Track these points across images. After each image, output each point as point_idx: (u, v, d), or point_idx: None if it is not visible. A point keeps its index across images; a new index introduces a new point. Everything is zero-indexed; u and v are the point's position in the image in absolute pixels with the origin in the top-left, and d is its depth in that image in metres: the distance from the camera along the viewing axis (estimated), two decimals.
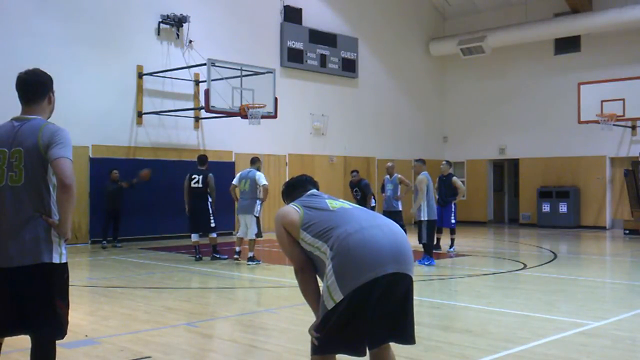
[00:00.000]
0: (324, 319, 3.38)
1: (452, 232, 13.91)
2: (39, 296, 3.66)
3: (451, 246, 13.74)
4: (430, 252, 11.72)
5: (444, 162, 14.45)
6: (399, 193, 13.63)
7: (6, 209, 3.69)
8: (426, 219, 11.66)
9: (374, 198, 15.57)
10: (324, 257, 3.46)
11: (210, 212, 12.27)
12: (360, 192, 14.58)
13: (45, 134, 3.67)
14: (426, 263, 11.47)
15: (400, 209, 13.36)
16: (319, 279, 3.62)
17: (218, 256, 12.32)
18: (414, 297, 3.56)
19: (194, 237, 12.46)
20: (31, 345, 3.75)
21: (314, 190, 3.92)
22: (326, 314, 3.36)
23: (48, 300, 3.66)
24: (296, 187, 3.97)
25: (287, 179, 4.21)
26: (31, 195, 3.67)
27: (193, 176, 12.39)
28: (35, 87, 3.86)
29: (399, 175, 13.60)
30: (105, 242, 14.64)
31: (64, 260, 3.73)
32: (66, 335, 3.83)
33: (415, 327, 3.57)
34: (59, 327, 3.72)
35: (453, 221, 13.84)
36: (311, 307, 3.61)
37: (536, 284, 9.80)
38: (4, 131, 3.81)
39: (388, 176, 14.00)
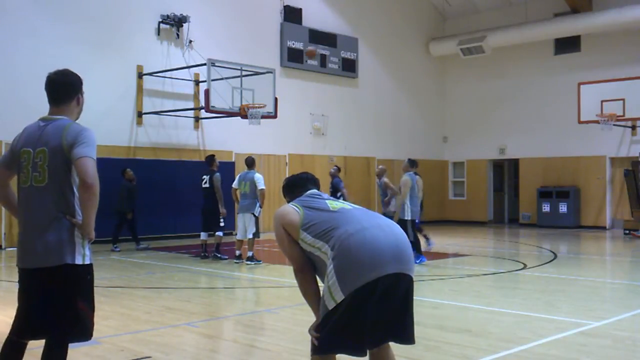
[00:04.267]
0: (325, 319, 3.37)
1: (419, 230, 13.13)
2: (62, 298, 3.64)
3: (428, 242, 13.14)
4: (419, 249, 11.68)
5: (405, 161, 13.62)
6: (387, 198, 13.45)
7: (31, 210, 3.70)
8: (409, 218, 11.60)
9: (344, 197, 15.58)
10: (324, 257, 3.45)
11: (219, 212, 12.35)
12: (332, 187, 15.13)
13: (70, 134, 3.66)
14: (417, 262, 11.42)
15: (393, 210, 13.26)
16: (318, 280, 3.62)
17: (219, 256, 12.34)
18: (414, 297, 3.56)
19: (203, 236, 12.60)
20: (44, 346, 3.74)
21: (314, 190, 3.89)
22: (327, 314, 3.36)
23: (71, 302, 3.64)
24: (297, 186, 3.95)
25: (288, 176, 4.21)
26: (55, 195, 3.66)
27: (202, 177, 12.58)
28: (63, 88, 3.85)
29: (385, 180, 13.25)
30: (116, 247, 13.99)
31: (87, 262, 3.71)
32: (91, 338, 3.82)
33: (415, 327, 3.57)
34: (82, 329, 3.71)
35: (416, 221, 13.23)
36: (311, 307, 3.60)
37: (536, 284, 9.81)
38: (30, 131, 3.81)
39: (377, 179, 13.84)
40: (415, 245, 11.68)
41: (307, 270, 3.61)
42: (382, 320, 3.38)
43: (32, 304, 3.70)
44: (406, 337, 3.50)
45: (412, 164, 12.34)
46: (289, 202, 3.91)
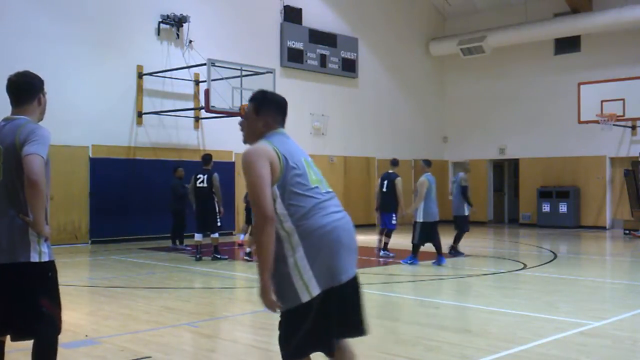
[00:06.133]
0: (297, 317, 3.27)
1: (388, 233, 12.80)
2: (20, 295, 3.68)
3: (383, 249, 12.82)
4: (415, 252, 11.59)
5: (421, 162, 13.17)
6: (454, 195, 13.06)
7: None
8: (421, 220, 11.52)
9: None
10: (282, 233, 3.25)
11: (217, 211, 12.25)
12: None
13: (23, 132, 3.70)
14: (409, 262, 11.44)
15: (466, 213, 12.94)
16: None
17: (219, 256, 12.31)
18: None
19: (197, 237, 12.44)
20: (32, 347, 3.78)
21: (284, 132, 3.49)
22: (299, 309, 3.25)
23: (30, 299, 3.67)
24: (278, 110, 3.51)
25: (267, 91, 3.67)
26: (8, 193, 3.70)
27: (198, 176, 12.39)
28: (23, 89, 3.90)
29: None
30: (174, 244, 14.23)
31: (45, 259, 3.73)
32: (62, 334, 3.86)
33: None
34: (47, 326, 3.74)
35: (393, 222, 12.73)
36: (264, 266, 3.21)
37: (536, 284, 9.81)
38: None
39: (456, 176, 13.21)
40: (415, 247, 11.60)
41: (273, 223, 3.21)
42: (345, 316, 3.38)
43: None
44: (362, 328, 3.47)
45: (428, 164, 12.07)
46: (258, 120, 3.46)
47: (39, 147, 3.65)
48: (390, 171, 13.00)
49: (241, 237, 14.50)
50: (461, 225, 12.98)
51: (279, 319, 3.42)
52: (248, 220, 16.02)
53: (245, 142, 3.52)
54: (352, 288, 3.37)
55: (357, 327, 3.46)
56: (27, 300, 3.67)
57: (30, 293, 3.67)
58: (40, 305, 3.69)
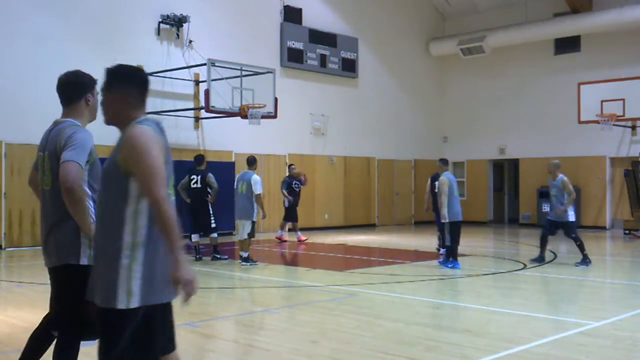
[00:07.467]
0: (117, 320, 2.94)
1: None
2: (66, 296, 3.77)
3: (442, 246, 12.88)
4: (454, 254, 11.25)
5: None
6: (565, 201, 11.72)
7: (42, 212, 3.87)
8: (447, 221, 11.24)
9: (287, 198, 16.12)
10: (130, 228, 2.97)
11: (211, 212, 12.18)
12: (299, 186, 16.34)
13: (63, 137, 3.74)
14: (450, 266, 11.10)
15: (573, 219, 11.76)
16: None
17: (218, 256, 12.28)
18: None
19: (194, 238, 12.37)
20: (54, 345, 3.86)
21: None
22: (120, 314, 2.92)
23: (74, 300, 3.70)
24: (146, 92, 3.24)
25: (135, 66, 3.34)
26: (58, 198, 3.73)
27: (192, 177, 12.29)
28: (69, 88, 3.90)
29: (565, 178, 11.98)
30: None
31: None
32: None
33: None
34: (87, 327, 3.76)
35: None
36: (180, 243, 2.96)
37: (536, 284, 9.81)
38: (43, 135, 3.93)
39: (551, 178, 12.04)
40: (452, 249, 11.27)
41: None
42: (165, 335, 3.34)
43: (51, 300, 3.91)
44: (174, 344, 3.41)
45: (445, 162, 11.84)
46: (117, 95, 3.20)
47: (75, 152, 3.66)
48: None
49: (279, 233, 16.18)
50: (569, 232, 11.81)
51: (102, 321, 3.05)
52: (287, 217, 16.26)
53: (112, 122, 3.30)
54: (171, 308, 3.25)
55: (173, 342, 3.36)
56: (72, 301, 3.71)
57: (76, 294, 3.68)
58: (87, 308, 3.72)
